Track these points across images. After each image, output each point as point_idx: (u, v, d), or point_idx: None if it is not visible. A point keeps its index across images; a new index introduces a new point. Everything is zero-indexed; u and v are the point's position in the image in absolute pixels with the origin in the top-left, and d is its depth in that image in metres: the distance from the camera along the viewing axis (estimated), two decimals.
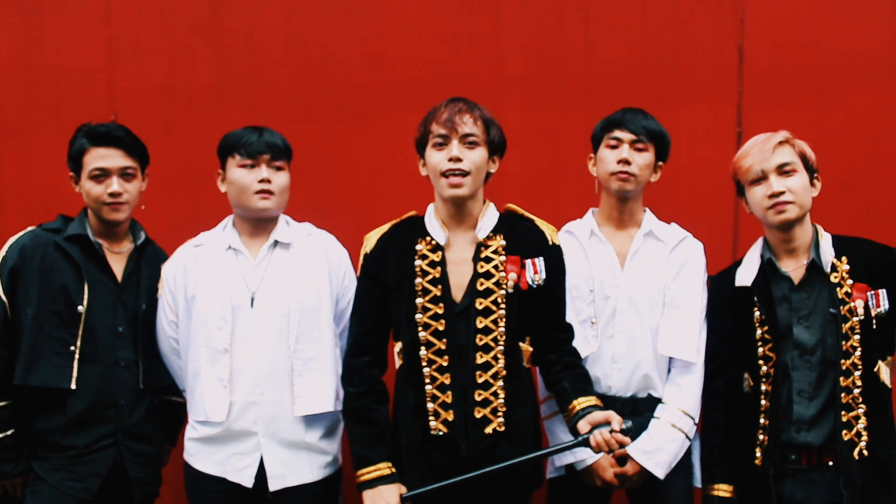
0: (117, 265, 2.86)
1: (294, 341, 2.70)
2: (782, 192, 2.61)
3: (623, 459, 2.74)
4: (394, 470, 2.55)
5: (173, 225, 3.23)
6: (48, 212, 2.95)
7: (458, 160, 2.52)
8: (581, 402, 2.54)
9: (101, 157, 2.79)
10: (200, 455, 2.73)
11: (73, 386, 2.73)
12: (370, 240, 2.71)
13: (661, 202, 3.17)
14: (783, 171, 2.63)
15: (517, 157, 3.36)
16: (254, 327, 2.70)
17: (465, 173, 2.53)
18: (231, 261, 2.76)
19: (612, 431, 2.41)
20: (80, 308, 2.76)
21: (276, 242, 2.78)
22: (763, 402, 2.65)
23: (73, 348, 2.75)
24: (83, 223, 2.85)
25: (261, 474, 2.68)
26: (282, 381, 2.69)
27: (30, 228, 2.86)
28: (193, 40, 3.55)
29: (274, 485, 2.68)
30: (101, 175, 2.79)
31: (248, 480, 2.68)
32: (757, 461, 2.65)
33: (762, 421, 2.65)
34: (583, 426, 2.46)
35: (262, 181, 2.71)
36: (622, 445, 2.43)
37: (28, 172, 3.43)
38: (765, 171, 2.64)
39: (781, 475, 2.61)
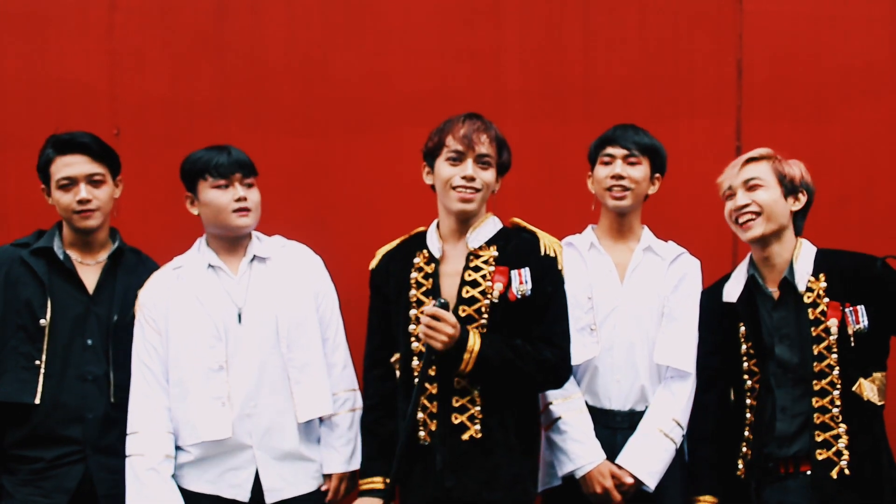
0: (90, 277, 2.83)
1: (287, 350, 2.71)
2: (748, 205, 2.65)
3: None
4: (386, 485, 2.60)
5: (174, 238, 3.23)
6: (50, 225, 2.95)
7: (472, 179, 2.57)
8: None
9: (67, 166, 2.77)
10: (191, 475, 2.70)
11: (38, 401, 2.70)
12: (376, 256, 2.77)
13: (660, 216, 3.18)
14: (749, 185, 2.67)
15: (517, 171, 3.35)
16: (244, 342, 2.70)
17: (476, 191, 2.58)
18: (213, 279, 2.76)
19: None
20: (42, 322, 2.74)
21: (254, 257, 2.79)
22: (748, 415, 2.67)
23: (38, 363, 2.72)
24: (52, 236, 2.84)
25: (255, 488, 2.68)
26: (275, 392, 2.70)
27: (3, 245, 2.86)
28: (195, 54, 3.57)
29: (270, 497, 2.68)
30: (69, 184, 2.77)
31: (244, 495, 2.67)
32: (739, 472, 2.68)
33: (746, 434, 2.67)
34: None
35: (238, 199, 2.71)
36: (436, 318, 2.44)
37: (30, 185, 3.42)
38: (733, 186, 2.70)
39: (764, 484, 2.63)
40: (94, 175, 2.79)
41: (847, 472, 2.54)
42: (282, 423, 2.70)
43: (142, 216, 3.12)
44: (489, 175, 2.61)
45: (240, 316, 2.73)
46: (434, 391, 2.56)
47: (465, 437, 2.54)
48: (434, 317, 2.43)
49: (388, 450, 2.62)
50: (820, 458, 2.55)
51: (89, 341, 2.78)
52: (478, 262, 2.61)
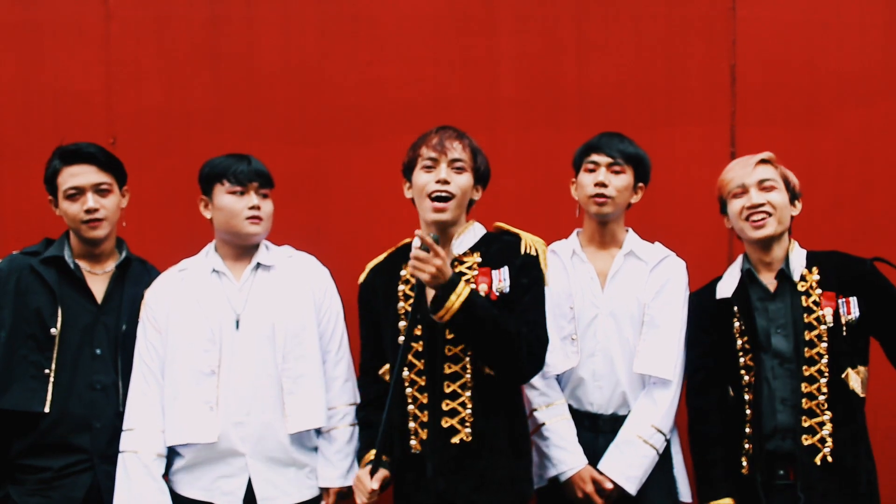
0: (98, 286, 2.84)
1: (282, 360, 2.72)
2: (762, 204, 2.69)
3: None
4: (385, 458, 2.57)
5: (170, 247, 3.24)
6: (47, 235, 2.96)
7: (446, 182, 2.59)
8: None
9: (74, 175, 2.79)
10: (185, 480, 2.73)
11: (47, 409, 2.71)
12: (365, 270, 2.80)
13: (656, 222, 3.20)
14: (763, 186, 2.72)
15: (512, 179, 3.40)
16: (239, 349, 2.72)
17: (449, 197, 2.59)
18: (215, 284, 2.79)
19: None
20: (52, 331, 2.75)
21: (258, 265, 2.81)
22: (747, 411, 2.69)
23: (47, 371, 2.73)
24: (62, 245, 2.85)
25: (248, 495, 2.69)
26: (267, 401, 2.71)
27: (13, 253, 2.87)
28: (191, 64, 3.58)
29: None
30: (77, 193, 2.79)
31: (236, 503, 2.69)
32: (744, 470, 2.69)
33: (747, 430, 2.69)
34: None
35: (252, 207, 2.75)
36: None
37: (27, 195, 3.45)
38: (745, 185, 2.73)
39: (770, 489, 2.65)
40: (101, 184, 2.82)
41: (829, 459, 2.60)
42: (275, 433, 2.70)
43: (138, 225, 3.12)
44: (464, 179, 2.62)
45: (237, 322, 2.74)
46: (424, 400, 2.58)
47: (455, 440, 2.56)
48: (425, 249, 2.37)
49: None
50: (805, 443, 2.61)
51: (98, 350, 2.79)
52: (462, 268, 2.63)
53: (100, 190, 2.81)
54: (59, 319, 2.76)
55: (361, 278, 2.79)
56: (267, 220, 2.78)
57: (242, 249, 2.82)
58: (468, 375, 2.57)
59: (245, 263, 2.82)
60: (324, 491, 2.78)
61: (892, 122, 3.50)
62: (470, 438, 2.55)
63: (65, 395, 2.73)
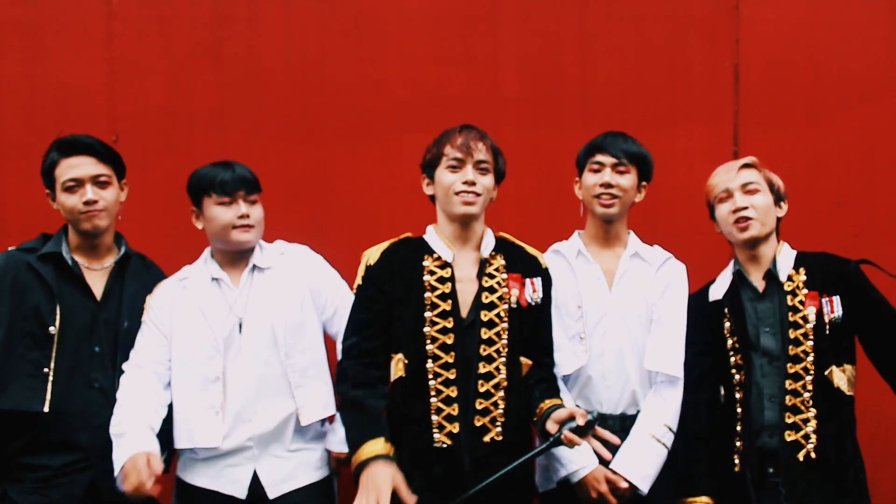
0: (97, 283, 2.82)
1: (286, 357, 2.74)
2: (745, 208, 2.76)
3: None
4: (391, 451, 2.49)
5: (172, 245, 3.25)
6: (49, 230, 2.96)
7: (473, 183, 2.64)
8: (546, 404, 2.58)
9: (72, 167, 2.77)
10: (192, 469, 2.76)
11: (46, 409, 2.69)
12: (373, 253, 2.74)
13: (658, 221, 3.20)
14: (747, 189, 2.78)
15: (514, 178, 3.37)
16: (244, 351, 2.73)
17: (477, 194, 2.65)
18: (215, 292, 2.80)
19: (577, 427, 2.42)
20: (51, 329, 2.73)
21: (254, 267, 2.82)
22: (738, 409, 2.73)
23: (46, 370, 2.71)
24: (60, 241, 2.82)
25: (254, 484, 2.70)
26: (274, 397, 2.73)
27: (9, 249, 2.85)
28: (194, 62, 3.59)
29: (272, 493, 2.71)
30: (75, 185, 2.76)
31: (241, 492, 2.70)
32: (736, 468, 2.72)
33: (738, 428, 2.73)
34: (550, 426, 2.49)
35: (241, 216, 2.75)
36: (596, 436, 2.46)
37: (30, 193, 3.44)
38: (730, 189, 2.80)
39: (761, 487, 2.68)
40: (99, 176, 2.79)
41: (813, 455, 2.63)
42: (282, 428, 2.73)
43: (140, 223, 3.13)
44: (488, 180, 2.68)
45: (240, 326, 2.75)
46: (453, 394, 2.59)
47: (487, 438, 2.59)
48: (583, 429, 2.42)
49: (380, 421, 2.54)
50: (789, 439, 2.64)
51: (97, 348, 2.77)
52: (490, 270, 2.68)
53: (99, 182, 2.79)
54: (58, 317, 2.74)
55: (371, 261, 2.69)
56: (258, 226, 2.79)
57: (237, 254, 2.83)
58: (501, 376, 2.61)
59: (242, 267, 2.82)
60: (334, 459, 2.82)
61: (895, 121, 3.50)
62: (501, 438, 2.59)
63: (63, 393, 2.71)
